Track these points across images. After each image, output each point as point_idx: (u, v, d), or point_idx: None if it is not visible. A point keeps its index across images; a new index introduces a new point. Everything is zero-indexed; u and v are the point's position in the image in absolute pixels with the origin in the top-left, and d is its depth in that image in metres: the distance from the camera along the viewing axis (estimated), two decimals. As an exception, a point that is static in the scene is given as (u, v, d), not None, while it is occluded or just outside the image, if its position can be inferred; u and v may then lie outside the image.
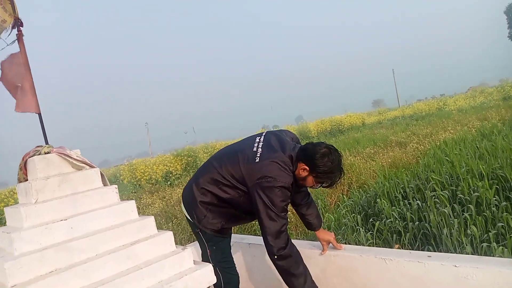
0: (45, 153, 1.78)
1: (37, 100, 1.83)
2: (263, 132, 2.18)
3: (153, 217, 1.89)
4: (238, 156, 2.03)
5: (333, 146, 2.00)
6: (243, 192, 2.01)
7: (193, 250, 2.19)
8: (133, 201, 1.91)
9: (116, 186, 1.90)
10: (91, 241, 1.65)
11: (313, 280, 2.04)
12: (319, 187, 2.05)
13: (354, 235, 3.99)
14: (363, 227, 4.17)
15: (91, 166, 1.86)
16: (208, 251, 2.18)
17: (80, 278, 1.55)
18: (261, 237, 3.32)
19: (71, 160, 1.80)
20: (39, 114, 1.88)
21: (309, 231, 2.96)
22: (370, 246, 3.80)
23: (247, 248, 2.96)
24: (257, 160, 1.96)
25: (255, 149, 2.02)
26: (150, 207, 8.76)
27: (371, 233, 3.91)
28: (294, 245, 2.02)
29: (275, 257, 1.94)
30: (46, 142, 1.88)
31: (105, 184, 1.93)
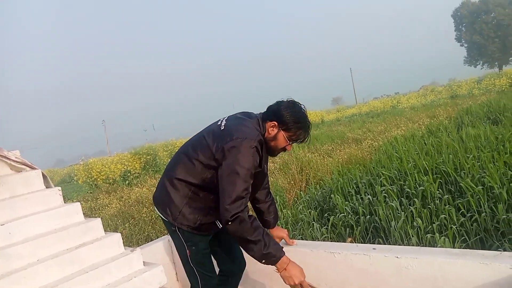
0: (-20, 155, 1.68)
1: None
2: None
3: (99, 219, 1.84)
4: (204, 136, 1.96)
5: (294, 100, 2.01)
6: (216, 170, 1.87)
7: (144, 251, 2.15)
8: (79, 203, 1.85)
9: (60, 188, 1.83)
10: (32, 246, 1.58)
11: (276, 242, 1.89)
12: (293, 143, 1.96)
13: (309, 230, 4.10)
14: (319, 222, 4.30)
15: (32, 168, 1.78)
16: (187, 251, 2.03)
17: (20, 285, 1.48)
18: None
19: (9, 161, 1.72)
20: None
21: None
22: (324, 240, 3.93)
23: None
24: (222, 128, 1.91)
25: (219, 123, 1.99)
26: (106, 207, 8.48)
27: (326, 228, 4.03)
28: (254, 218, 1.86)
29: (228, 223, 1.76)
30: (-19, 143, 1.77)
31: (48, 186, 1.85)
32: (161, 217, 2.07)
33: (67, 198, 11.49)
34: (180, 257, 2.12)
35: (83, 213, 1.88)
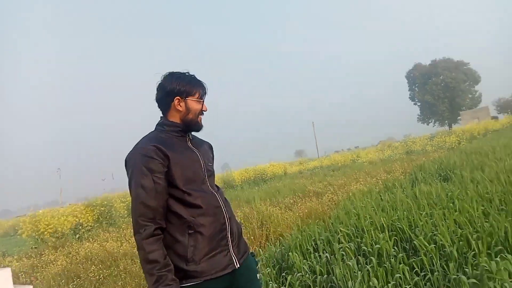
0: None
1: None
2: None
3: (31, 287, 1.65)
4: None
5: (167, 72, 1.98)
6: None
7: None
8: (9, 269, 1.66)
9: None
10: None
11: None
12: (201, 100, 1.92)
13: (266, 290, 3.93)
14: (276, 282, 4.14)
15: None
16: None
17: None
18: None
19: None
20: None
21: None
22: (281, 302, 3.76)
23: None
24: None
25: None
26: (51, 265, 7.80)
27: (283, 288, 3.88)
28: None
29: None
30: None
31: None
32: None
33: (7, 254, 10.49)
34: None
35: (20, 274, 1.68)
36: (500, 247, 3.40)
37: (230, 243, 1.84)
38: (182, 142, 1.88)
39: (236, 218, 2.05)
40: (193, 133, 2.00)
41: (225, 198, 1.98)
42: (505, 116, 46.77)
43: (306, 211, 7.60)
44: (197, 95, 1.91)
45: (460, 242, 3.62)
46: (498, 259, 3.12)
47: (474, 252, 3.40)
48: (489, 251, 3.41)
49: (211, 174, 1.95)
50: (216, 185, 2.00)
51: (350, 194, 8.35)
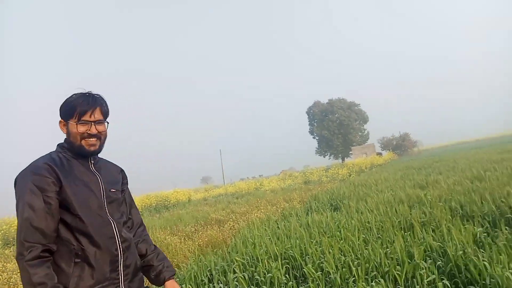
0: None
1: None
2: None
3: None
4: None
5: None
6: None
7: None
8: None
9: None
10: None
11: None
12: (83, 121, 1.78)
13: (155, 327, 3.70)
14: (167, 317, 3.94)
15: None
16: None
17: None
18: None
19: None
20: None
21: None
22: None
23: None
24: None
25: None
26: None
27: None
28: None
29: None
30: None
31: None
32: None
33: None
34: None
35: None
36: (375, 273, 3.76)
37: (121, 277, 1.73)
38: (81, 165, 1.81)
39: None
40: (99, 155, 1.92)
41: (128, 227, 1.92)
42: (387, 153, 53.29)
43: (206, 239, 7.48)
44: (75, 117, 1.80)
45: (343, 269, 3.91)
46: (373, 283, 3.45)
47: (354, 278, 3.70)
48: (366, 277, 3.74)
49: (113, 200, 1.82)
50: (123, 214, 1.89)
51: (250, 222, 8.49)
